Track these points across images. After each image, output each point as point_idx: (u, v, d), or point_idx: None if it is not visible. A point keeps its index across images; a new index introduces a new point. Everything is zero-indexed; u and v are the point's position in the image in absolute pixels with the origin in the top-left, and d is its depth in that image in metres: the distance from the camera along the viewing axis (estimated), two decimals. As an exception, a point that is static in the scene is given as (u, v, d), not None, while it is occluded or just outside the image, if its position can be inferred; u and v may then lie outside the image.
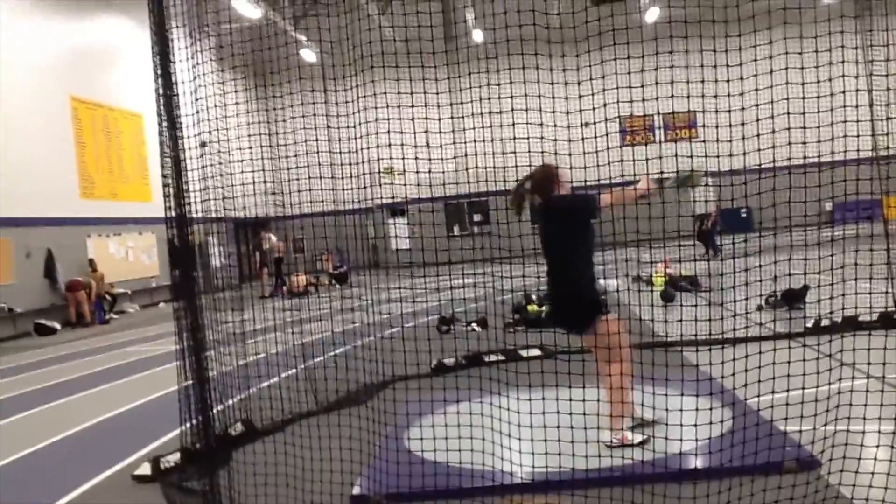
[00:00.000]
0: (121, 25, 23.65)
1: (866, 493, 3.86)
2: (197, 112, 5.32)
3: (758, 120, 5.66)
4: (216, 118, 6.26)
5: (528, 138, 6.67)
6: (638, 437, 5.18)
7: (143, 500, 5.33)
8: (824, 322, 8.51)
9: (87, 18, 22.26)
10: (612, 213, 5.57)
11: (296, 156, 7.35)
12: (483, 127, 6.87)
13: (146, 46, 5.15)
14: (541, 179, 5.59)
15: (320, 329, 10.12)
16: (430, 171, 7.48)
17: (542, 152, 6.70)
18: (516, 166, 6.52)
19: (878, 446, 4.68)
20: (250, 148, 7.72)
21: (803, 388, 4.85)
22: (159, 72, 4.80)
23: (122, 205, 22.88)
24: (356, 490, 4.75)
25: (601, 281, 5.40)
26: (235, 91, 7.25)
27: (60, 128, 20.64)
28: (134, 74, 22.97)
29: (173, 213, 4.80)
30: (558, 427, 4.71)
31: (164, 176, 4.86)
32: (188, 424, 4.99)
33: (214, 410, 5.01)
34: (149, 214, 22.63)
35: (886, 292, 8.65)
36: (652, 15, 25.94)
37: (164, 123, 4.80)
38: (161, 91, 4.80)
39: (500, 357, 8.46)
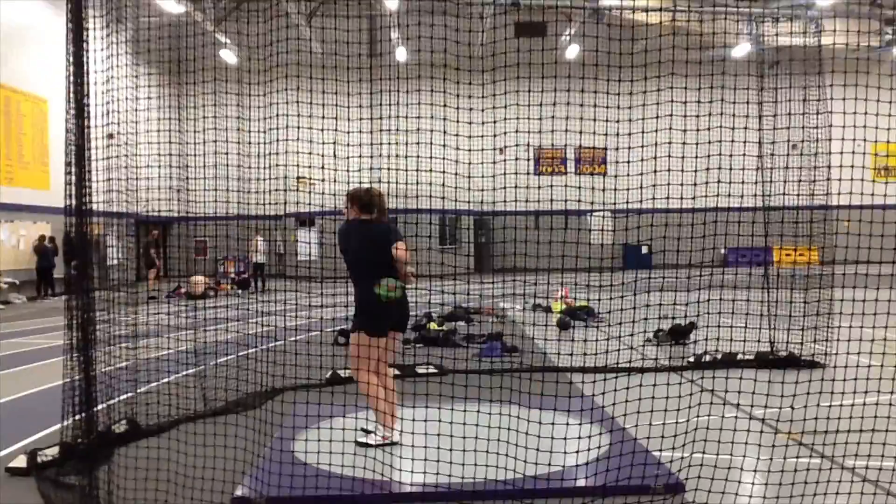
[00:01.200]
0: (34, 6, 22.78)
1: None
2: (107, 103, 5.25)
3: (656, 164, 5.98)
4: (126, 111, 6.17)
5: (442, 159, 6.82)
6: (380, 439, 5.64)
7: (15, 492, 5.15)
8: (705, 358, 8.96)
9: (-3, -5, 21.38)
10: (515, 243, 5.78)
11: (205, 155, 7.29)
12: (397, 143, 6.99)
13: (59, 30, 5.05)
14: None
15: (216, 334, 9.99)
16: (348, 183, 7.55)
17: (456, 174, 6.87)
18: (428, 184, 6.67)
19: (740, 475, 4.98)
20: (158, 143, 7.60)
21: (677, 419, 5.14)
22: (71, 59, 4.73)
23: (18, 191, 21.91)
24: (239, 492, 4.74)
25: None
26: (149, 86, 7.16)
27: (-43, 105, 19.68)
28: (43, 58, 22.12)
29: (73, 204, 4.72)
30: (450, 439, 4.84)
31: (66, 164, 4.77)
32: (70, 420, 4.88)
33: (98, 407, 4.92)
34: (46, 203, 21.75)
35: (762, 336, 9.16)
36: (572, 52, 26.77)
37: (72, 111, 4.72)
38: (72, 78, 4.72)
39: (396, 372, 8.54)
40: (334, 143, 6.93)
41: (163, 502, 4.35)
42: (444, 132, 6.20)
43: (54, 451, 5.47)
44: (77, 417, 4.78)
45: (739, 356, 8.84)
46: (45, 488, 4.91)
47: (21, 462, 5.56)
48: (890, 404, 5.55)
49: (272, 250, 25.45)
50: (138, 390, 6.64)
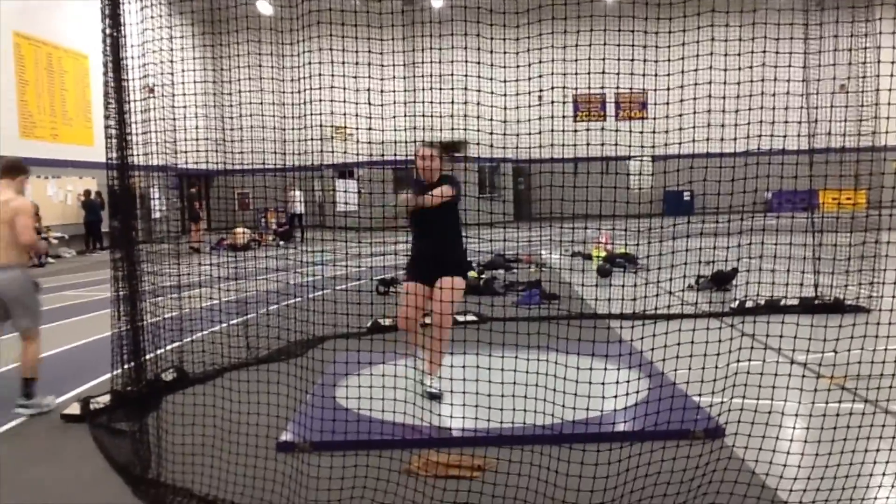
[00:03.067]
0: (68, -39, 22.86)
1: (768, 459, 4.12)
2: (143, 55, 5.27)
3: (698, 105, 5.84)
4: (162, 62, 6.19)
5: (478, 104, 6.75)
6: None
7: (70, 438, 5.36)
8: (748, 304, 8.86)
9: (34, -49, 21.47)
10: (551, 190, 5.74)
11: (240, 105, 7.31)
12: (433, 89, 6.91)
13: (93, -16, 5.06)
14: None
15: (258, 285, 10.15)
16: (382, 131, 7.53)
17: (491, 120, 6.80)
18: (465, 129, 6.62)
19: (781, 420, 4.96)
20: (195, 95, 7.64)
21: (717, 364, 5.10)
22: (107, 12, 4.74)
23: (64, 147, 22.31)
24: (284, 437, 4.86)
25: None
26: (183, 36, 7.17)
27: (1, 63, 19.95)
28: (82, 14, 22.27)
29: (115, 159, 4.78)
30: (489, 385, 4.88)
31: (106, 118, 4.82)
32: (120, 368, 5.02)
33: (147, 356, 5.05)
34: (90, 159, 22.11)
35: (806, 281, 9.02)
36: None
37: (110, 66, 4.75)
38: (108, 32, 4.74)
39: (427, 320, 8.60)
40: (368, 90, 6.89)
41: (210, 446, 4.48)
42: (479, 77, 6.13)
43: (106, 398, 5.65)
44: (126, 367, 4.92)
45: (783, 302, 8.73)
46: (99, 434, 5.09)
47: (75, 409, 5.78)
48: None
49: (311, 201, 25.65)
50: (185, 340, 6.80)
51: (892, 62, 6.16)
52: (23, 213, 6.11)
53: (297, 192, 22.58)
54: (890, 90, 6.19)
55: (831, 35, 8.78)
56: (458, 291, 6.01)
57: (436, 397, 5.76)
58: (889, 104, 6.15)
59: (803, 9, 9.58)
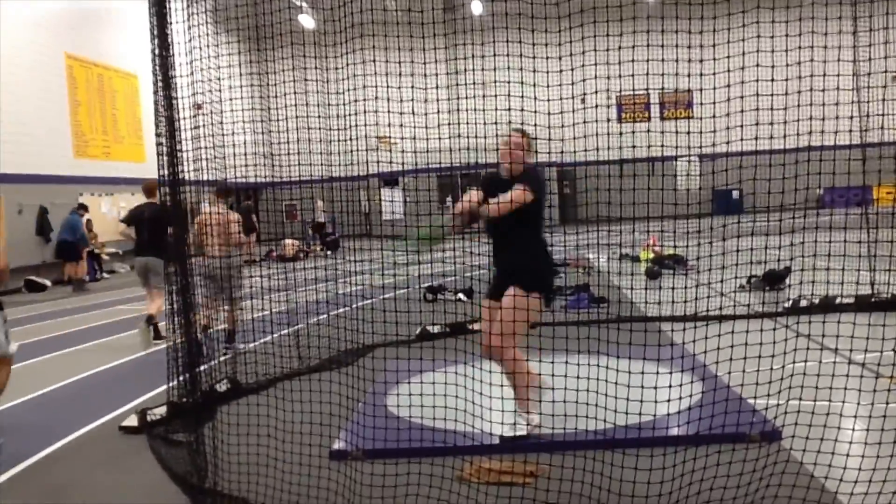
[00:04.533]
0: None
1: (827, 462, 4.03)
2: (192, 74, 5.39)
3: (746, 103, 5.76)
4: (210, 80, 6.32)
5: (521, 110, 6.74)
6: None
7: (129, 449, 5.48)
8: (802, 303, 8.68)
9: (84, -25, 22.09)
10: (599, 192, 5.69)
11: (286, 120, 7.41)
12: (475, 97, 6.93)
13: (143, 6, 5.19)
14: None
15: (308, 294, 10.26)
16: (426, 140, 7.57)
17: (536, 125, 6.78)
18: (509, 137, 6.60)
19: (839, 422, 4.84)
20: (242, 110, 7.78)
21: (772, 366, 5.02)
22: (156, 32, 4.86)
23: (116, 164, 22.86)
24: (336, 445, 4.91)
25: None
26: (230, 54, 7.31)
27: (55, 85, 20.54)
28: (130, 34, 22.85)
29: (166, 175, 4.89)
30: (539, 390, 4.87)
31: (157, 135, 4.94)
32: (175, 380, 5.13)
33: (201, 368, 5.15)
34: (142, 175, 22.63)
35: (862, 278, 8.81)
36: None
37: (160, 84, 4.87)
38: (157, 51, 4.86)
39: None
40: (412, 100, 6.94)
41: (264, 455, 4.54)
42: (522, 83, 6.12)
43: (162, 410, 5.78)
44: (182, 378, 5.02)
45: (838, 300, 8.54)
46: (156, 445, 5.20)
47: (133, 421, 5.91)
48: None
49: (343, 211, 25.92)
50: (238, 350, 6.92)
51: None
52: None
53: (321, 202, 23.00)
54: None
55: (881, 27, 8.57)
56: (525, 310, 5.01)
57: (518, 439, 5.06)
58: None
59: (851, 1, 9.39)
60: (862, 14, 9.03)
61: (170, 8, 4.99)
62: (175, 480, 4.62)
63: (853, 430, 4.65)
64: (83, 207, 20.08)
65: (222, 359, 6.90)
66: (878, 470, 3.83)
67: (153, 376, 6.99)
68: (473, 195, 5.34)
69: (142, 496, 4.66)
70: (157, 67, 4.84)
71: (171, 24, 4.98)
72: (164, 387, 5.54)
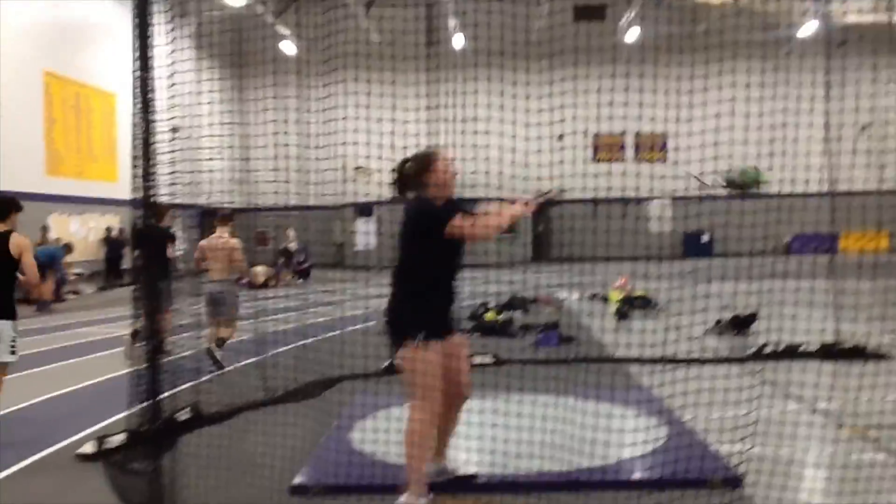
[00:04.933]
0: (102, 4, 23.41)
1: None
2: (172, 97, 5.38)
3: (719, 148, 5.87)
4: (190, 104, 6.31)
5: (499, 147, 6.81)
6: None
7: (84, 478, 5.36)
8: (767, 349, 8.77)
9: (68, -7, 22.03)
10: (573, 231, 5.72)
11: (265, 147, 7.41)
12: (454, 132, 6.99)
13: (126, 26, 5.18)
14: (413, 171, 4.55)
15: (275, 323, 10.19)
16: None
17: (513, 162, 6.84)
18: (486, 173, 6.65)
19: (801, 470, 4.87)
20: (220, 136, 7.77)
21: (736, 412, 5.05)
22: (137, 54, 4.85)
23: (88, 184, 22.64)
24: (298, 480, 4.84)
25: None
26: (210, 80, 7.31)
27: (31, 101, 20.37)
28: (111, 54, 22.77)
29: (139, 196, 4.85)
30: (505, 429, 4.85)
31: (133, 157, 4.91)
32: (136, 407, 5.03)
33: (163, 395, 5.06)
34: (114, 196, 22.43)
35: (826, 326, 8.93)
36: (632, 36, 26.33)
37: (138, 105, 4.85)
38: (138, 73, 4.85)
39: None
40: (392, 133, 6.98)
41: (224, 488, 4.47)
42: (502, 121, 6.19)
43: (121, 437, 5.66)
44: (142, 405, 4.93)
45: (802, 347, 8.63)
46: (113, 474, 5.08)
47: (90, 448, 5.78)
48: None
49: (309, 241, 25.82)
50: (201, 378, 6.83)
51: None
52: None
53: (292, 231, 23.00)
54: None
55: (853, 80, 8.81)
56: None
57: None
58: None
59: (824, 55, 9.64)
60: (834, 67, 9.28)
61: (152, 30, 4.99)
62: (130, 510, 4.52)
63: (815, 478, 4.68)
64: (45, 229, 19.84)
65: (185, 386, 6.79)
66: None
67: (114, 402, 6.86)
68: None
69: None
70: (137, 89, 4.83)
71: (153, 46, 4.98)
72: (124, 413, 5.44)
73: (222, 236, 8.93)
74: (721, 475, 4.68)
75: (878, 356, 8.20)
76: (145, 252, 5.09)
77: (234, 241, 9.04)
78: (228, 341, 8.75)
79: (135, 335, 8.75)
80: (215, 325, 8.79)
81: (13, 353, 6.18)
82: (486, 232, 4.28)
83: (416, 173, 4.50)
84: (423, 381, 4.18)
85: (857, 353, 8.33)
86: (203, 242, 9.04)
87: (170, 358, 5.24)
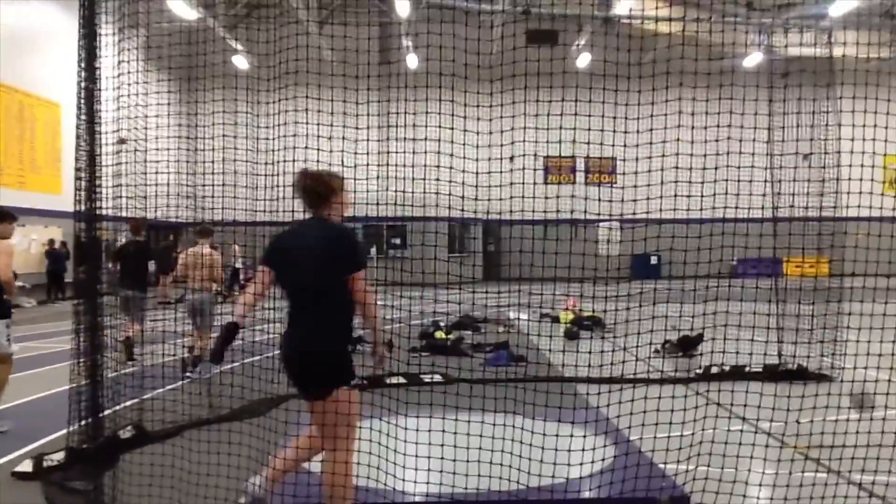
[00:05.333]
0: (49, 11, 22.94)
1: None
2: (118, 108, 5.29)
3: (664, 175, 5.98)
4: (137, 117, 6.20)
5: (450, 168, 6.82)
6: None
7: (20, 497, 5.18)
8: (713, 370, 8.92)
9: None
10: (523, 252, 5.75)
11: (213, 162, 7.32)
12: (406, 153, 7.00)
13: (73, 35, 5.07)
14: (312, 188, 4.28)
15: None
16: (354, 191, 7.54)
17: (463, 183, 6.87)
18: (437, 193, 6.67)
19: (745, 489, 4.95)
20: (168, 149, 7.65)
21: (682, 432, 5.12)
22: (83, 64, 4.77)
23: (30, 195, 22.06)
24: (243, 500, 4.74)
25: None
26: (160, 92, 7.21)
27: (-29, 110, 19.84)
28: (57, 63, 22.29)
29: (83, 209, 4.75)
30: (454, 449, 4.83)
31: (77, 170, 4.81)
32: (76, 424, 4.90)
33: (105, 412, 4.94)
34: (57, 207, 21.89)
35: (771, 348, 9.12)
36: (583, 61, 26.77)
37: (83, 116, 4.76)
38: (84, 84, 4.76)
39: (402, 380, 8.54)
40: (342, 151, 6.95)
41: (167, 509, 4.37)
42: (453, 142, 6.21)
43: (60, 455, 5.49)
44: (83, 422, 4.80)
45: (748, 368, 8.81)
46: (51, 493, 4.93)
47: (27, 466, 5.59)
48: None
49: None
50: (145, 396, 6.66)
51: (852, 139, 6.39)
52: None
53: (237, 247, 22.70)
54: (850, 165, 6.41)
55: (795, 111, 9.08)
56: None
57: None
58: (850, 179, 6.35)
59: (768, 86, 9.92)
60: (777, 98, 9.56)
61: (100, 40, 4.91)
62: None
63: (758, 498, 4.76)
64: None
65: (128, 404, 6.63)
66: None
67: (54, 419, 6.67)
68: None
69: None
70: (83, 100, 4.74)
71: (100, 56, 4.90)
72: (65, 431, 5.29)
73: (204, 249, 9.36)
74: (668, 494, 4.73)
75: (819, 377, 8.41)
76: (89, 265, 4.98)
77: (216, 254, 9.59)
78: (203, 354, 9.09)
79: (127, 341, 8.90)
80: (197, 334, 9.33)
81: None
82: (371, 310, 4.12)
83: (328, 193, 4.23)
84: (353, 423, 4.12)
85: (800, 375, 8.54)
86: (186, 253, 9.52)
87: (113, 374, 5.12)
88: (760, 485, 5.07)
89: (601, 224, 24.21)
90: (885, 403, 5.59)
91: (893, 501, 4.78)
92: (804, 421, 5.22)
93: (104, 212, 5.08)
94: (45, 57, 22.68)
